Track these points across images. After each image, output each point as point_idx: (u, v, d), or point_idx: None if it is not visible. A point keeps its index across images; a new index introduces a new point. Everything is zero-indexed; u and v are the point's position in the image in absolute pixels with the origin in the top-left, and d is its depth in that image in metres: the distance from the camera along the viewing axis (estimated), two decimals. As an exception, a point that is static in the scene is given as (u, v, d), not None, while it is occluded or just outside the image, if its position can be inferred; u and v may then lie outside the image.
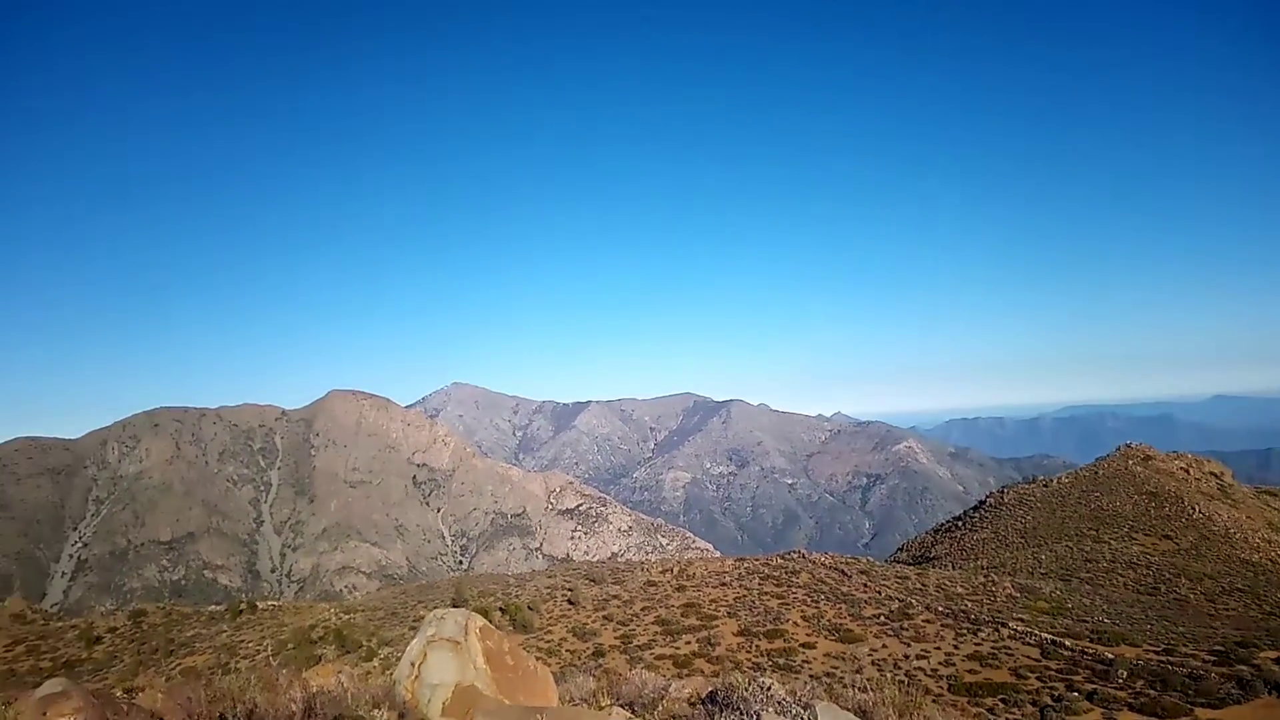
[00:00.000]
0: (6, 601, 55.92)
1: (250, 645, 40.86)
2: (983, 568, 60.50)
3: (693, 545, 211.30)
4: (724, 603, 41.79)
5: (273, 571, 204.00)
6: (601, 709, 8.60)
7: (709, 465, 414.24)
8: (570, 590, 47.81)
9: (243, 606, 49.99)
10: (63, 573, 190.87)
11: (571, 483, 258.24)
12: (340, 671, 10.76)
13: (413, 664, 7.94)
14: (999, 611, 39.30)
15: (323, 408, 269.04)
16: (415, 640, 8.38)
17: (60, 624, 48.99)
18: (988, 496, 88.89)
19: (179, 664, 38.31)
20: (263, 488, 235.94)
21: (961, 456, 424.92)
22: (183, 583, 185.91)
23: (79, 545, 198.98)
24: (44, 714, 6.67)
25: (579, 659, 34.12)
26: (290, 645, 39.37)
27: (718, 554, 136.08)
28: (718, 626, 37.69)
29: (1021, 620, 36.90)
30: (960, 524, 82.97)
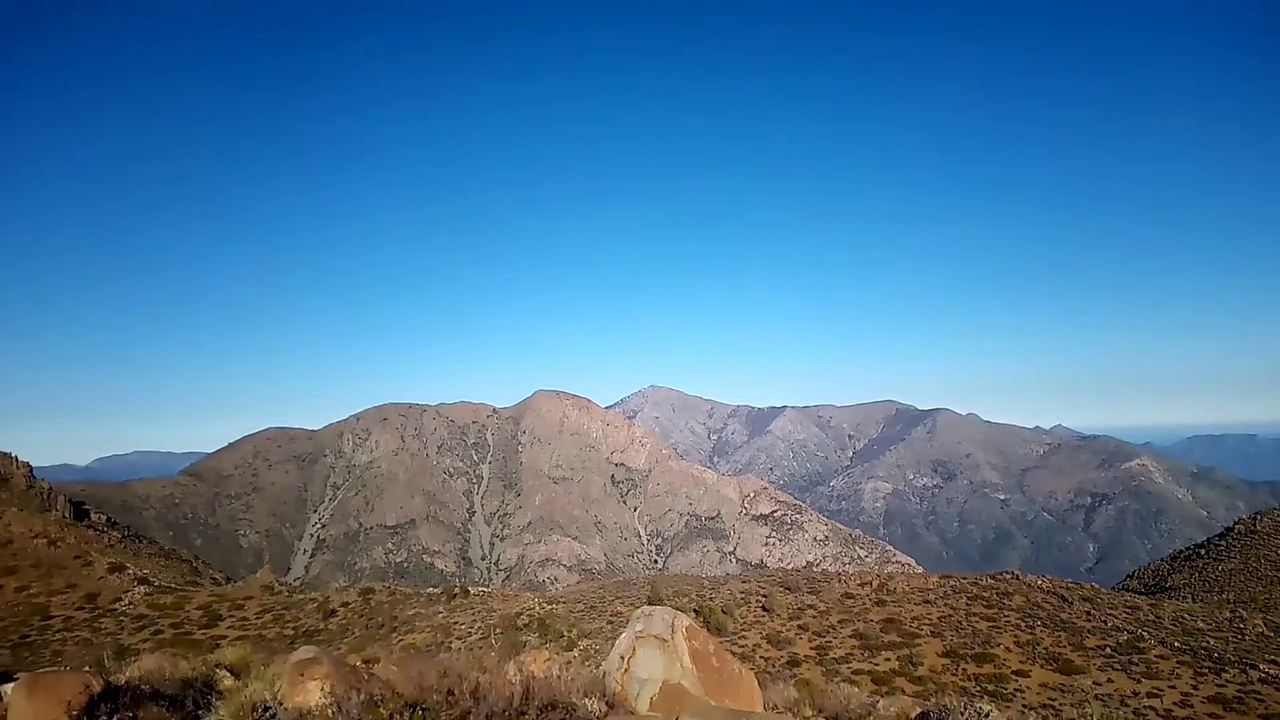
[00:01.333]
0: (258, 573, 62.72)
1: (463, 627, 43.25)
2: (1229, 602, 53.84)
3: (893, 559, 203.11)
4: (927, 621, 39.65)
5: (483, 559, 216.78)
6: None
7: (912, 476, 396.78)
8: (764, 597, 47.10)
9: (456, 591, 53.15)
10: (304, 550, 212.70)
11: (766, 488, 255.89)
12: (549, 659, 10.90)
13: (622, 657, 8.01)
14: (1247, 652, 34.70)
15: (529, 407, 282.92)
16: (624, 635, 8.43)
17: (301, 596, 54.18)
18: (1237, 522, 79.01)
19: (401, 640, 41.21)
20: (475, 480, 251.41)
21: (1205, 477, 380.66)
22: (405, 565, 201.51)
23: (319, 526, 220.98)
24: (301, 675, 7.36)
25: (773, 666, 33.51)
26: (498, 630, 41.33)
27: (920, 569, 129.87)
28: (920, 645, 35.79)
29: (1275, 663, 32.30)
30: (1203, 552, 74.47)
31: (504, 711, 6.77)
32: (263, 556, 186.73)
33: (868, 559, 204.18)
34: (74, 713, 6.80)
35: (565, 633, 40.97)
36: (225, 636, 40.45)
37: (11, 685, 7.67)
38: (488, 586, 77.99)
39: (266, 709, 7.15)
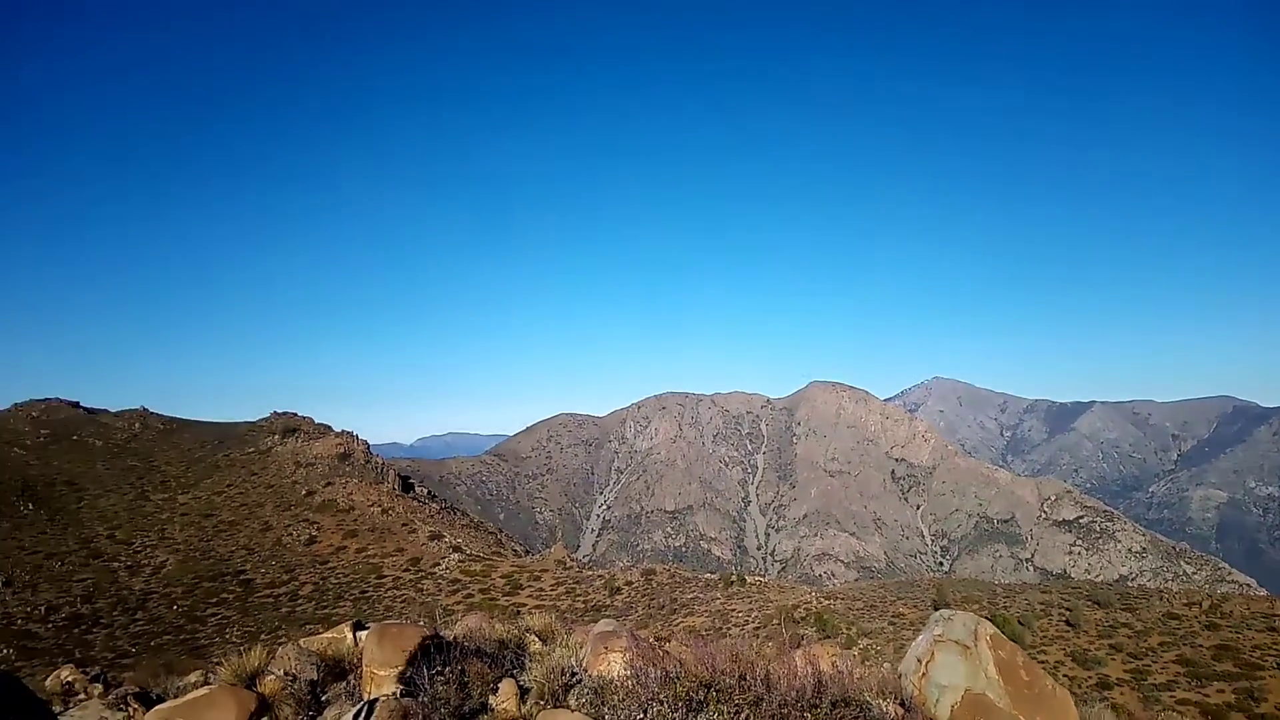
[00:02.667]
0: (552, 548, 67.25)
1: (740, 615, 43.32)
2: None
3: (1228, 578, 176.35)
4: (1273, 651, 33.50)
5: (758, 549, 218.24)
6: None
7: (1253, 484, 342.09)
8: (1069, 610, 42.59)
9: (733, 578, 53.47)
10: (591, 529, 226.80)
11: (1069, 491, 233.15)
12: (836, 654, 10.40)
13: (919, 660, 7.61)
14: None
15: (804, 398, 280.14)
16: (921, 637, 7.82)
17: (590, 573, 57.33)
18: None
19: (681, 622, 42.12)
20: (750, 470, 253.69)
21: None
22: (683, 549, 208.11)
23: (604, 507, 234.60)
24: (604, 647, 8.03)
25: (1078, 687, 30.07)
26: (775, 621, 40.83)
27: (1263, 592, 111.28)
28: (1264, 679, 30.28)
29: None
30: None
31: (796, 702, 6.62)
32: (556, 533, 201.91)
33: (1195, 576, 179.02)
34: (412, 659, 7.81)
35: (844, 630, 39.66)
36: (525, 604, 43.64)
37: (365, 632, 9.31)
38: (763, 576, 77.83)
39: (573, 674, 7.72)
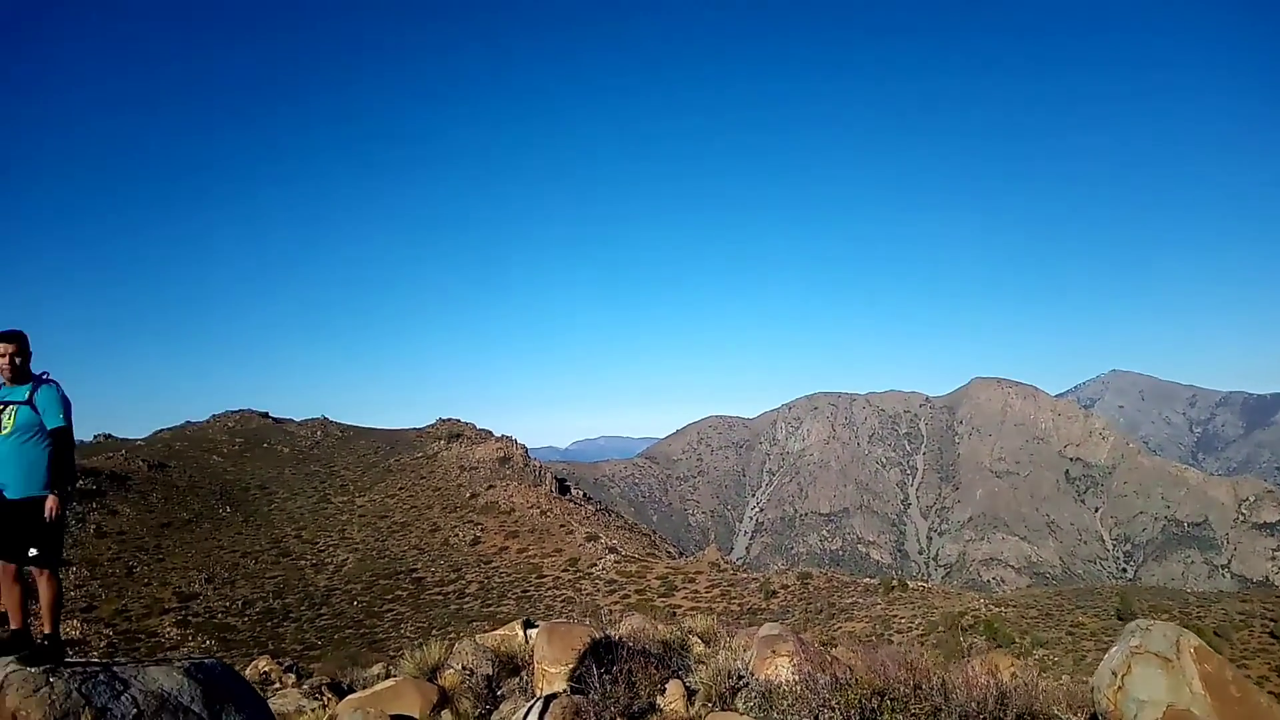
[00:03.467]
0: (705, 551, 67.40)
1: (902, 621, 41.87)
2: None
3: None
4: None
5: (920, 553, 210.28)
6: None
7: None
8: (1274, 621, 38.52)
9: (894, 584, 51.79)
10: (744, 531, 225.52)
11: (1271, 491, 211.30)
12: (1014, 665, 9.84)
13: (1114, 673, 7.13)
14: None
15: (966, 395, 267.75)
16: (1115, 649, 7.48)
17: (744, 575, 56.99)
18: None
19: (839, 627, 41.16)
20: (909, 471, 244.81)
21: None
22: (839, 553, 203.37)
23: (757, 509, 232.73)
24: (771, 651, 7.98)
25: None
26: (940, 629, 39.19)
27: None
28: None
29: None
30: None
31: (977, 714, 6.35)
32: (708, 535, 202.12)
33: None
34: (582, 657, 8.04)
35: (1016, 639, 37.56)
36: (680, 606, 43.88)
37: (534, 630, 9.77)
38: (926, 582, 74.77)
39: (739, 677, 7.62)
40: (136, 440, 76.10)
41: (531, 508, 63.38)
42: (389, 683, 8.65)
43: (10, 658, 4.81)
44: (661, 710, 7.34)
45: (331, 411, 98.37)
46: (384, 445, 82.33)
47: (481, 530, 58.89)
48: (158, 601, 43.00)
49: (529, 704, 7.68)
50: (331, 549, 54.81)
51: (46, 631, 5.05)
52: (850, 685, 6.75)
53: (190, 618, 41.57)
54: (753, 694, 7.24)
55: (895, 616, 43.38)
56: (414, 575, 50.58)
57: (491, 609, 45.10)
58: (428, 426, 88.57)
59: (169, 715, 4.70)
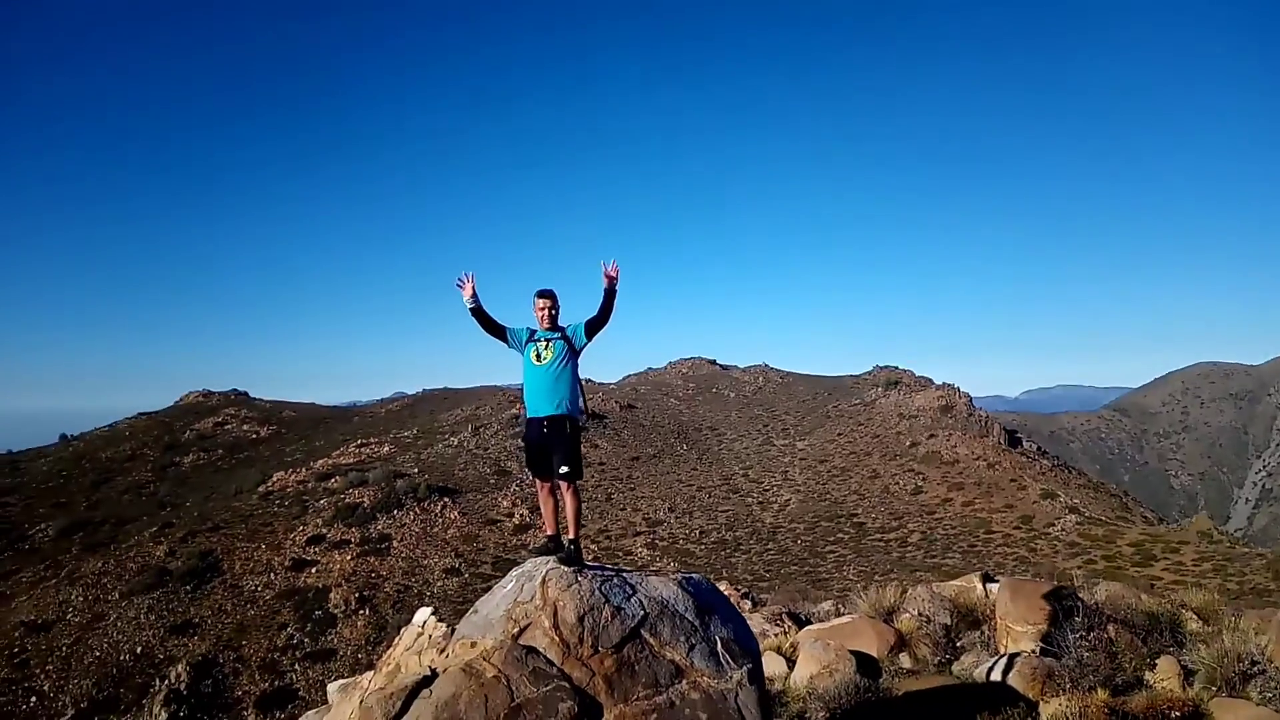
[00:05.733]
0: (1193, 518, 58.14)
1: None
2: None
3: None
4: None
5: None
6: None
7: None
8: None
9: None
10: (1245, 498, 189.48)
11: None
12: None
13: None
14: None
15: None
16: None
17: (1245, 550, 48.14)
18: None
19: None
20: None
21: None
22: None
23: (1262, 474, 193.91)
24: None
25: None
26: None
27: None
28: None
29: None
30: None
31: None
32: (1196, 500, 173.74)
33: None
34: (1053, 619, 7.62)
35: None
36: (1160, 578, 38.54)
37: (994, 585, 9.25)
38: None
39: (1253, 663, 6.75)
40: (610, 384, 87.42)
41: (977, 459, 60.22)
42: (845, 619, 8.96)
43: (551, 558, 5.97)
44: (1150, 686, 6.59)
45: (771, 359, 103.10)
46: (822, 391, 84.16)
47: (923, 480, 57.54)
48: (630, 525, 49.21)
49: (993, 659, 7.42)
50: (775, 489, 57.83)
51: (571, 538, 6.16)
52: None
53: (656, 541, 46.95)
54: (1272, 684, 6.18)
55: None
56: (855, 520, 51.31)
57: (935, 560, 44.09)
58: (865, 373, 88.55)
59: (668, 619, 5.43)
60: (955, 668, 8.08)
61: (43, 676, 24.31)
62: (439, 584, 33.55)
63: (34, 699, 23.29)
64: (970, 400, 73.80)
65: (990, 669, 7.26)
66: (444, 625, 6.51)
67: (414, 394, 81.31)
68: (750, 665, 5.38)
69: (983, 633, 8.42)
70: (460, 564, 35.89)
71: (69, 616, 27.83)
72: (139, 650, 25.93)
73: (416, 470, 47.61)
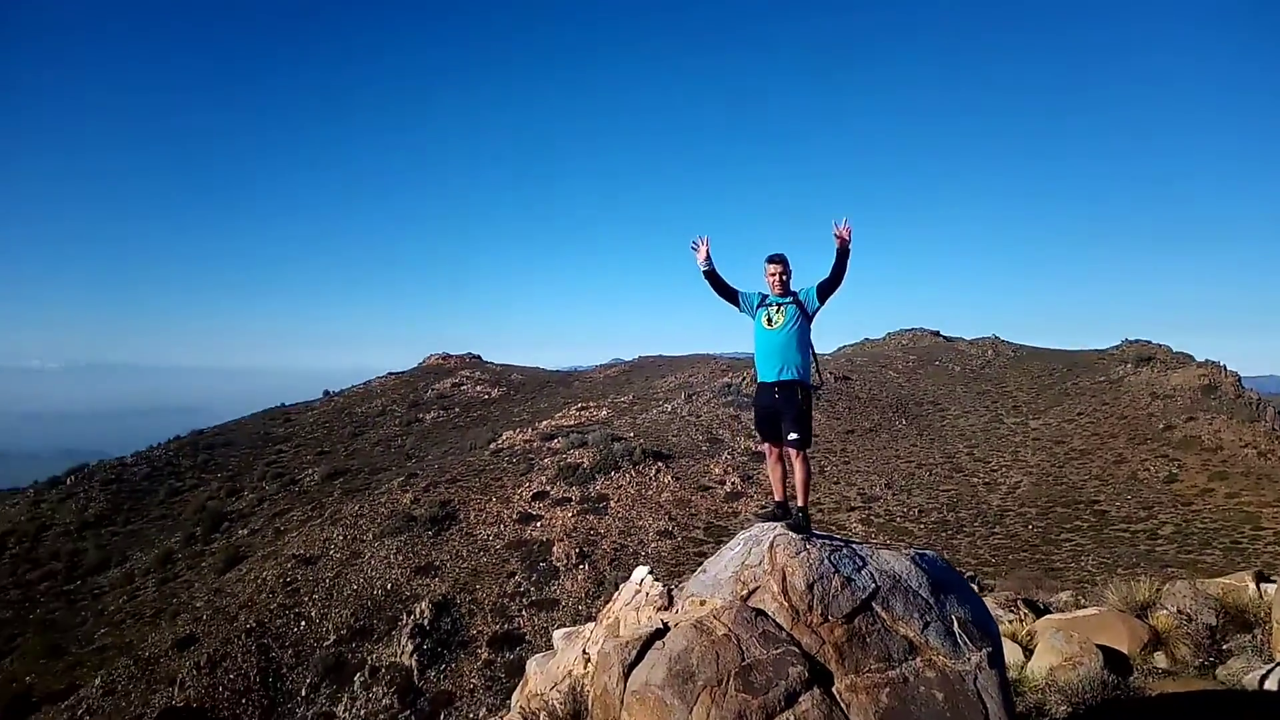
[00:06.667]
0: None
1: None
2: None
3: None
4: None
5: None
6: None
7: None
8: None
9: None
10: None
11: None
12: None
13: None
14: None
15: None
16: None
17: None
18: None
19: None
20: None
21: None
22: None
23: None
24: None
25: None
26: None
27: None
28: None
29: None
30: None
31: None
32: None
33: None
34: None
35: None
36: None
37: (1270, 585, 8.48)
38: None
39: None
40: (824, 354, 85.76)
41: (1245, 446, 53.41)
42: (1091, 611, 8.30)
43: (778, 524, 5.95)
44: None
45: (1002, 331, 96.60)
46: (1059, 367, 77.80)
47: (1178, 467, 51.88)
48: (844, 500, 48.19)
49: (1268, 666, 6.61)
50: (1004, 469, 54.45)
51: (800, 505, 6.10)
52: None
53: (872, 517, 45.68)
54: None
55: None
56: (1095, 507, 47.24)
57: (1191, 556, 39.77)
58: (1111, 349, 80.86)
59: (900, 594, 5.26)
60: (1220, 672, 7.27)
61: (310, 604, 27.57)
62: (653, 545, 34.61)
63: (303, 623, 26.48)
64: (1239, 380, 65.45)
65: (1264, 676, 6.47)
66: (660, 585, 6.72)
67: (630, 360, 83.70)
68: (990, 648, 5.11)
69: (1254, 636, 7.50)
70: (673, 527, 36.80)
71: (331, 553, 31.31)
72: (389, 586, 28.75)
73: (632, 434, 49.15)
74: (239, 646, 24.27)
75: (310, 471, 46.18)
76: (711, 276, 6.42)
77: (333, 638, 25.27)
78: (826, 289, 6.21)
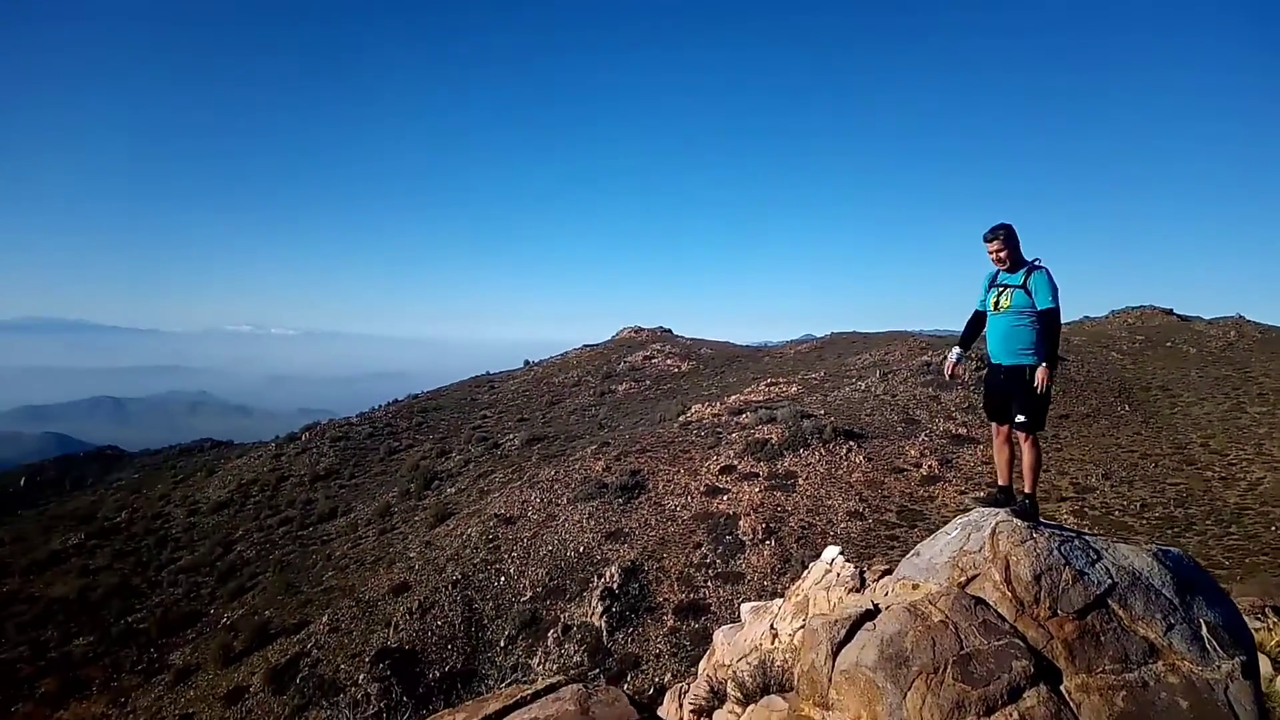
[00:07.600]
0: None
1: None
2: None
3: None
4: None
5: None
6: None
7: None
8: None
9: None
10: None
11: None
12: None
13: None
14: None
15: None
16: None
17: None
18: None
19: None
20: None
21: None
22: None
23: None
24: None
25: None
26: None
27: None
28: None
29: None
30: None
31: None
32: None
33: None
34: None
35: None
36: None
37: None
38: None
39: None
40: (1034, 335, 79.99)
41: None
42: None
43: (1001, 510, 5.66)
44: None
45: (1249, 310, 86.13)
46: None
47: None
48: (1055, 489, 45.07)
49: None
50: (1244, 463, 48.84)
51: (1027, 491, 5.78)
52: None
53: (1086, 509, 42.50)
54: None
55: None
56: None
57: None
58: (1382, 330, 70.50)
59: (1140, 592, 4.86)
60: None
61: (509, 561, 29.18)
62: (841, 525, 33.89)
63: (502, 579, 28.08)
64: None
65: None
66: (851, 565, 6.58)
67: (823, 336, 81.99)
68: (1244, 658, 4.63)
69: None
70: (864, 509, 35.88)
71: (529, 514, 32.94)
72: (581, 549, 29.92)
73: (823, 412, 48.26)
74: (446, 596, 26.11)
75: (511, 437, 48.64)
76: (965, 346, 6.51)
77: (529, 594, 26.63)
78: (1046, 315, 5.87)
